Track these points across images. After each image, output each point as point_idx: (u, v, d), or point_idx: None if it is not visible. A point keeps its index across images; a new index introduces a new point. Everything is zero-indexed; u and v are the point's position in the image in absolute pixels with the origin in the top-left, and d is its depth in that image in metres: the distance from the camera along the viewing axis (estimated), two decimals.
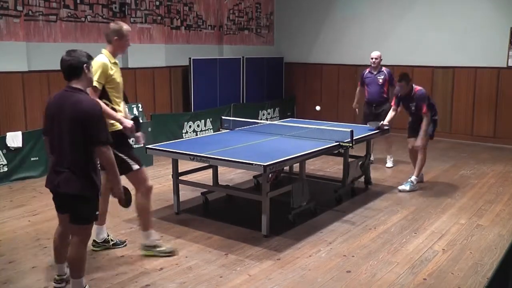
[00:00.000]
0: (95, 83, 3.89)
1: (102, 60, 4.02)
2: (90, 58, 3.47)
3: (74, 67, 3.34)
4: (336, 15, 11.19)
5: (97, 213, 3.50)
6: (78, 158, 3.33)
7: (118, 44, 4.14)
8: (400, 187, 6.32)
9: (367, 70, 7.57)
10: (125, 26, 4.17)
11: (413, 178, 6.33)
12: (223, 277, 3.94)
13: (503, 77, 9.32)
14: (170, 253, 4.33)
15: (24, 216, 5.36)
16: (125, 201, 3.68)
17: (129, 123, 4.08)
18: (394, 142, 7.92)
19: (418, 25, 10.10)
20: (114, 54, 4.15)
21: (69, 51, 3.40)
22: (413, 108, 6.34)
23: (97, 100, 3.82)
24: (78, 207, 3.40)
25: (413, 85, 6.32)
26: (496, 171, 7.35)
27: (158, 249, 4.32)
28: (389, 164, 7.61)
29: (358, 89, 7.81)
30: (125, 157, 4.11)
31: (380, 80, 7.38)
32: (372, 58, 7.43)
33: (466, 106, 9.73)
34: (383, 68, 7.47)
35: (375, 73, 7.45)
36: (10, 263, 4.19)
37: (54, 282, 3.71)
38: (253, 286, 3.80)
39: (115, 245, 4.50)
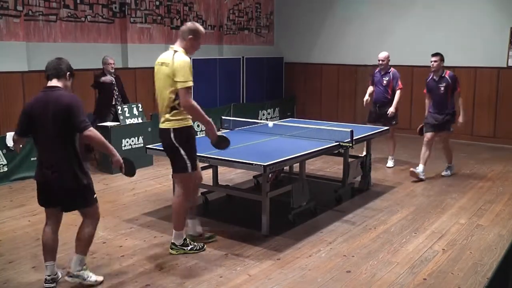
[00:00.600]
0: (190, 83, 3.99)
1: (188, 59, 4.05)
2: (72, 71, 3.72)
3: (60, 69, 3.62)
4: (336, 15, 11.19)
5: (95, 195, 3.73)
6: (66, 153, 3.53)
7: (192, 44, 4.13)
8: (443, 173, 7.02)
9: (377, 69, 7.53)
10: (201, 28, 4.18)
11: (449, 165, 7.09)
12: (223, 277, 3.94)
13: (503, 77, 9.33)
14: (201, 249, 4.40)
15: (24, 216, 5.37)
16: (128, 169, 3.81)
17: (214, 128, 4.17)
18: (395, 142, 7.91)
19: (418, 25, 10.10)
20: (186, 52, 4.15)
21: (58, 58, 3.70)
22: (442, 88, 6.71)
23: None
24: (80, 197, 3.62)
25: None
26: (496, 171, 7.35)
27: (188, 247, 4.34)
28: (390, 164, 7.61)
29: (369, 88, 7.69)
30: (185, 157, 4.10)
31: (384, 82, 7.34)
32: (379, 60, 7.39)
33: (466, 106, 9.59)
34: (391, 70, 7.41)
35: (382, 73, 7.41)
36: (10, 263, 4.19)
37: (45, 283, 3.73)
38: (253, 286, 3.80)
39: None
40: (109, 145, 3.67)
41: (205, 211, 5.62)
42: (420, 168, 6.74)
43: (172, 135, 4.06)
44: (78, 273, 3.74)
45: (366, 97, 7.59)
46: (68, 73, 3.65)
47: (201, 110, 4.07)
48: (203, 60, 9.79)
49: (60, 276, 3.85)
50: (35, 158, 6.89)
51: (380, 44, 10.61)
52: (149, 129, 7.71)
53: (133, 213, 5.47)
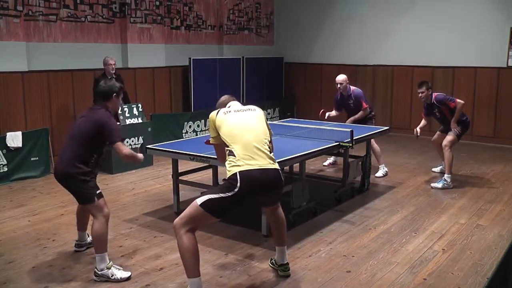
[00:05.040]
0: None
1: None
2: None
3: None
4: (336, 15, 11.19)
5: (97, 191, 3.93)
6: None
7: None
8: (432, 184, 6.49)
9: (338, 93, 7.10)
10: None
11: (446, 176, 6.46)
12: (223, 277, 3.94)
13: (503, 77, 9.32)
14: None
15: (24, 216, 5.37)
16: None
17: None
18: (391, 143, 7.90)
19: (418, 25, 10.10)
20: None
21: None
22: (437, 113, 6.63)
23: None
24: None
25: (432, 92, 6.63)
26: (496, 171, 7.34)
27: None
28: (380, 173, 7.02)
29: (333, 112, 7.20)
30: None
31: (352, 105, 7.00)
32: (337, 84, 6.95)
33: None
34: (352, 91, 6.98)
35: (345, 96, 7.02)
36: (10, 263, 4.19)
37: (74, 246, 4.44)
38: (253, 286, 3.80)
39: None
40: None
41: None
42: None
43: (282, 175, 3.70)
44: (101, 272, 3.84)
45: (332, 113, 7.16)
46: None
47: None
48: (203, 60, 9.80)
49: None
50: (36, 158, 6.93)
51: (380, 44, 10.63)
52: (149, 129, 7.71)
53: (133, 213, 5.47)
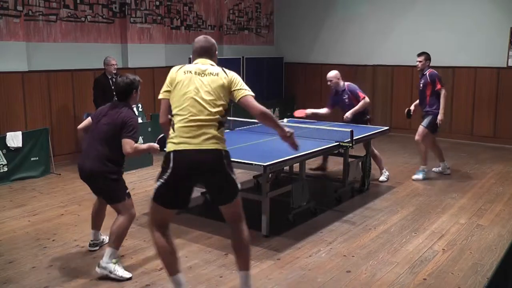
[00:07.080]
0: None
1: None
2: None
3: None
4: (336, 15, 11.19)
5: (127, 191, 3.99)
6: None
7: (216, 59, 3.56)
8: (413, 177, 6.80)
9: (333, 90, 6.86)
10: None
11: (422, 167, 6.83)
12: (223, 277, 3.94)
13: (503, 77, 9.32)
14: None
15: (24, 216, 5.37)
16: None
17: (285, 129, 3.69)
18: (391, 143, 7.88)
19: (418, 25, 10.10)
20: None
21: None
22: (421, 85, 6.76)
23: None
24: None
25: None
26: (496, 171, 7.34)
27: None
28: (383, 177, 6.81)
29: (324, 109, 6.98)
30: (236, 179, 3.44)
31: (346, 101, 6.74)
32: (328, 81, 6.72)
33: (466, 106, 9.73)
34: (345, 86, 6.71)
35: (340, 92, 6.74)
36: (10, 263, 4.19)
37: (89, 246, 4.43)
38: (253, 286, 3.79)
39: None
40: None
41: (205, 211, 5.62)
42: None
43: (225, 160, 3.25)
44: (106, 265, 3.85)
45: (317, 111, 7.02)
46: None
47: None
48: None
49: (105, 242, 4.38)
50: (36, 158, 6.93)
51: (380, 44, 10.64)
52: (149, 129, 7.71)
53: None
